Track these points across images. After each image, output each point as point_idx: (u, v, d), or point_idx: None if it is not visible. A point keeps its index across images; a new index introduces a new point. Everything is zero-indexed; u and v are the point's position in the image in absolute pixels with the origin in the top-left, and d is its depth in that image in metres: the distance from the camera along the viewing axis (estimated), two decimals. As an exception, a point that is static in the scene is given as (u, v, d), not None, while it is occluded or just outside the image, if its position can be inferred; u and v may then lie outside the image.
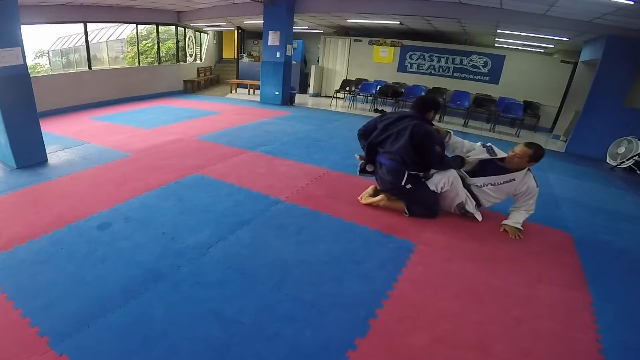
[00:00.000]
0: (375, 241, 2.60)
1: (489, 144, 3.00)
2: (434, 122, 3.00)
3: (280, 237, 2.58)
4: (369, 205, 3.13)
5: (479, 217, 2.98)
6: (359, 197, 3.24)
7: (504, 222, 2.89)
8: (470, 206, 2.95)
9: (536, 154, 2.66)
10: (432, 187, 2.88)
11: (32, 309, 1.76)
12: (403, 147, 2.79)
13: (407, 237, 2.67)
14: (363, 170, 3.16)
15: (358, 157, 3.24)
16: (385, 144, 2.94)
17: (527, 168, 2.77)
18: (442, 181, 2.85)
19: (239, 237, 2.55)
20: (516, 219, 2.83)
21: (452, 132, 3.06)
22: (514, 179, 2.77)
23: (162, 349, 1.58)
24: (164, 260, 2.21)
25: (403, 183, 2.88)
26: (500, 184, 2.81)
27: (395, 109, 8.79)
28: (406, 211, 3.00)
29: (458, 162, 2.89)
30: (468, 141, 3.08)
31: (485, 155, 2.91)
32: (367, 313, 1.87)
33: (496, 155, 2.89)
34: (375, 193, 3.21)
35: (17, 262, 2.13)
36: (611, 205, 3.90)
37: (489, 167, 2.88)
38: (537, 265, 2.47)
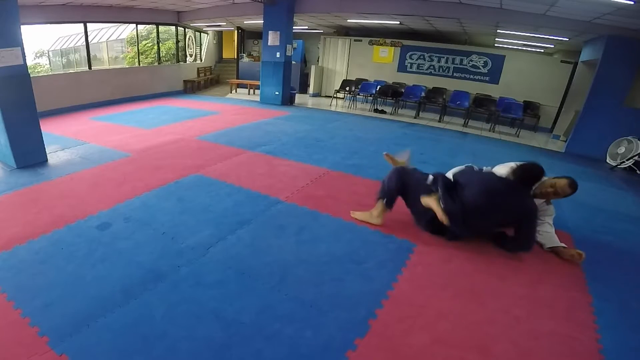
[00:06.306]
0: (375, 241, 2.60)
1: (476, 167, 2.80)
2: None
3: (280, 237, 2.58)
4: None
5: None
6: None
7: (562, 248, 2.58)
8: None
9: (572, 194, 2.45)
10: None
11: (32, 309, 1.76)
12: (497, 224, 2.55)
13: (407, 237, 2.66)
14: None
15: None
16: (477, 212, 2.41)
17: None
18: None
19: (239, 237, 2.55)
20: (556, 239, 2.62)
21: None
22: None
23: (162, 349, 1.58)
24: (164, 260, 2.21)
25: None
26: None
27: (395, 109, 8.80)
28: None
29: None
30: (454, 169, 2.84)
31: None
32: (367, 313, 1.87)
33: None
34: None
35: (17, 262, 2.13)
36: (611, 205, 3.90)
37: None
38: (537, 265, 2.47)
